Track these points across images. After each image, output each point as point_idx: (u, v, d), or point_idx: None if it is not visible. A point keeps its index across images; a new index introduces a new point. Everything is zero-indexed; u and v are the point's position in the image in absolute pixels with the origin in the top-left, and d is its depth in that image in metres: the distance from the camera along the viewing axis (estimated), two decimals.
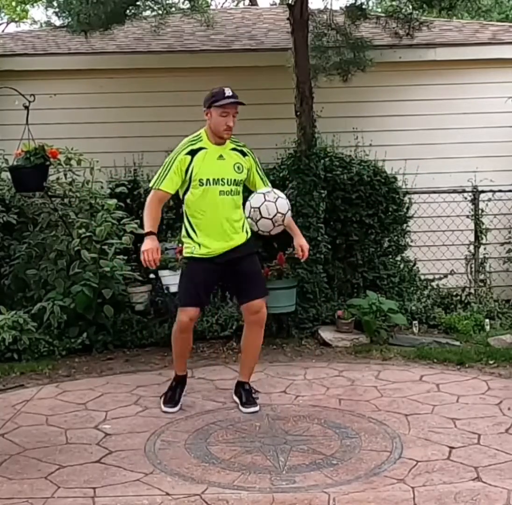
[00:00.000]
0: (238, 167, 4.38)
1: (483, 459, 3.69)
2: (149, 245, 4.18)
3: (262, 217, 4.15)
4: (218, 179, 4.29)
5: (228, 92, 4.36)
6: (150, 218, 4.28)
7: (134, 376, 5.40)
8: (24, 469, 3.70)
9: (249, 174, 4.48)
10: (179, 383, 4.70)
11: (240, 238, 4.42)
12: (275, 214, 4.14)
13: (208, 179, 4.27)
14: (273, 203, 4.14)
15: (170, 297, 6.31)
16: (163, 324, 6.27)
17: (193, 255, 4.36)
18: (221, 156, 4.34)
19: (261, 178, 4.56)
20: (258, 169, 4.55)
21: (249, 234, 4.48)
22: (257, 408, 4.51)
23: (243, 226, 4.44)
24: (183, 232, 4.45)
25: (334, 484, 3.44)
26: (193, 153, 4.28)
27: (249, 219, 4.25)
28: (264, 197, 4.16)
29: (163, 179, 4.29)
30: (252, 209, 4.16)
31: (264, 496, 3.34)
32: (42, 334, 5.90)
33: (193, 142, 4.33)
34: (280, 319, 6.37)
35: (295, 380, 5.18)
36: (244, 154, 4.45)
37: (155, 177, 4.35)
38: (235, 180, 4.35)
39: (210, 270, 4.36)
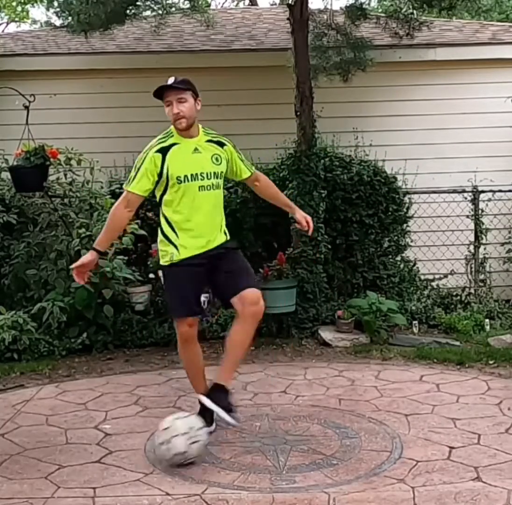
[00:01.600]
0: (216, 159, 4.03)
1: (483, 459, 3.68)
2: (82, 259, 3.99)
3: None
4: (196, 174, 3.95)
5: (169, 81, 4.07)
6: (105, 232, 4.02)
7: (134, 376, 5.40)
8: (24, 469, 3.69)
9: (230, 165, 4.14)
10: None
11: (220, 238, 4.08)
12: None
13: (185, 176, 3.93)
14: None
15: None
16: (163, 324, 6.27)
17: (173, 261, 3.99)
18: (196, 149, 3.99)
19: (245, 166, 4.23)
20: (240, 157, 4.20)
21: (228, 237, 4.15)
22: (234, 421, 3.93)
23: (222, 226, 4.13)
24: (160, 237, 4.06)
25: (334, 484, 3.43)
26: (164, 151, 3.94)
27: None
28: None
29: (133, 180, 3.95)
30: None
31: (264, 496, 3.34)
32: (42, 334, 5.90)
33: (163, 139, 4.00)
34: (280, 319, 6.38)
35: (295, 380, 5.18)
36: (221, 144, 4.10)
37: (128, 179, 4.02)
38: (214, 173, 4.01)
39: (194, 273, 3.98)
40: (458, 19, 9.52)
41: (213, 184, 4.02)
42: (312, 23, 6.76)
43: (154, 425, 4.29)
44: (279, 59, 6.67)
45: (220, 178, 4.07)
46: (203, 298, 6.44)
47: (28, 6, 18.43)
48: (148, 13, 6.94)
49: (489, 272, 7.49)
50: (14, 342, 5.70)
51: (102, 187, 6.65)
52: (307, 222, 4.35)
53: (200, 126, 4.08)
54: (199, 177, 3.97)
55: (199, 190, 3.97)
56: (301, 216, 4.39)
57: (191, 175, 3.95)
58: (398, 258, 7.14)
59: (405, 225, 7.15)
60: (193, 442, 3.65)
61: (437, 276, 7.37)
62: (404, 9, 6.95)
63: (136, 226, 6.24)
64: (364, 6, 6.92)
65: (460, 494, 3.29)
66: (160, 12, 6.60)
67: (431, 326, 6.70)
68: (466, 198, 7.43)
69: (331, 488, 3.39)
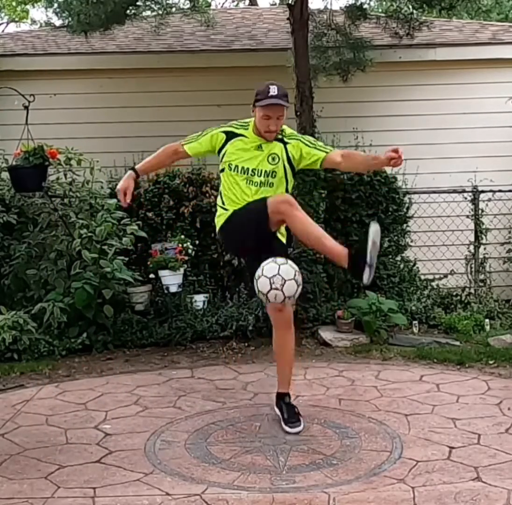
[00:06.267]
0: (273, 158, 4.06)
1: (483, 459, 3.68)
2: (122, 183, 4.12)
3: (269, 301, 3.90)
4: (247, 169, 4.05)
5: (272, 90, 3.98)
6: (149, 159, 4.25)
7: (134, 376, 5.40)
8: (24, 469, 3.69)
9: (301, 158, 4.10)
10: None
11: None
12: (283, 300, 3.85)
13: (237, 166, 4.06)
14: (280, 291, 3.79)
15: (170, 297, 6.31)
16: (163, 324, 6.27)
17: (221, 221, 4.17)
18: (260, 146, 4.07)
19: (317, 149, 4.10)
20: (309, 145, 4.11)
21: (281, 238, 4.21)
22: (301, 428, 4.12)
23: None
24: (218, 200, 4.24)
25: (334, 484, 3.43)
26: (230, 136, 4.08)
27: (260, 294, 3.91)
28: (270, 285, 3.79)
29: (191, 142, 4.16)
30: (261, 294, 3.86)
31: (264, 496, 3.34)
32: (42, 334, 5.89)
33: (237, 127, 4.13)
34: None
35: (295, 380, 5.14)
36: (285, 143, 4.10)
37: (186, 138, 4.21)
38: (266, 171, 4.05)
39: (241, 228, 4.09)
40: (458, 19, 9.51)
41: (262, 182, 4.06)
42: (312, 23, 6.77)
43: (154, 425, 4.31)
44: (279, 59, 6.67)
45: (274, 177, 4.07)
46: (202, 297, 6.46)
47: (28, 6, 18.41)
48: (148, 13, 6.96)
49: (489, 272, 7.48)
50: (14, 342, 5.69)
51: (102, 187, 6.64)
52: (398, 156, 3.83)
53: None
54: (250, 172, 4.05)
55: (247, 183, 4.06)
56: (388, 158, 3.86)
57: (242, 168, 4.06)
58: (398, 258, 7.14)
59: (405, 225, 7.15)
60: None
61: (437, 276, 7.36)
62: (404, 9, 6.96)
63: (136, 227, 6.24)
64: (364, 6, 6.92)
65: (460, 494, 3.29)
66: (160, 12, 6.62)
67: (431, 326, 6.70)
68: (466, 198, 7.43)
69: (331, 488, 3.39)
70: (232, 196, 4.13)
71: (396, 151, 3.84)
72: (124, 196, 4.11)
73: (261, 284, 3.82)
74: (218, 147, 4.12)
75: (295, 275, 3.83)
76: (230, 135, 4.10)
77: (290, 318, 4.14)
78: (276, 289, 3.77)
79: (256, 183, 4.06)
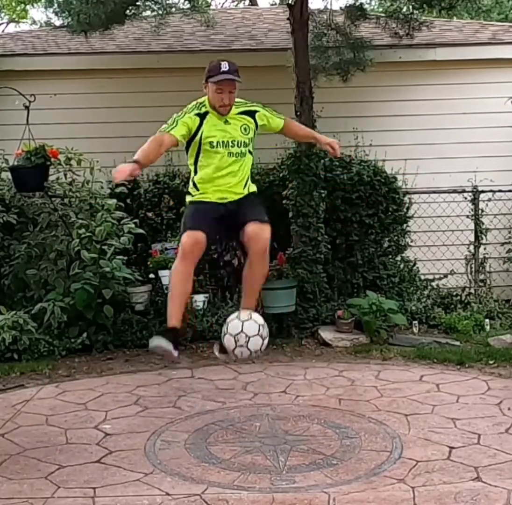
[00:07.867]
0: (245, 129, 4.23)
1: (483, 459, 3.69)
2: (123, 165, 3.85)
3: (236, 358, 4.05)
4: (227, 141, 4.16)
5: (224, 66, 4.07)
6: (142, 149, 3.95)
7: (134, 376, 5.40)
8: (24, 469, 3.69)
9: (267, 126, 4.36)
10: (171, 334, 4.10)
11: (241, 194, 4.24)
12: (250, 355, 3.99)
13: (218, 142, 4.14)
14: (246, 348, 3.92)
15: None
16: (163, 324, 6.26)
17: (193, 199, 4.24)
18: (226, 121, 4.19)
19: (278, 118, 4.42)
20: (272, 114, 4.39)
21: (251, 191, 4.31)
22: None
23: (245, 185, 4.26)
24: (190, 185, 4.29)
25: (334, 484, 3.44)
26: (201, 116, 4.15)
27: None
28: (235, 342, 3.91)
29: (173, 127, 4.07)
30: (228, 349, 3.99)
31: (264, 496, 3.34)
32: (42, 334, 5.90)
33: (198, 108, 4.20)
34: (280, 319, 6.37)
35: (295, 380, 5.18)
36: (253, 113, 4.29)
37: (163, 126, 4.11)
38: (244, 142, 4.21)
39: (211, 207, 4.16)
40: (458, 19, 9.50)
41: (241, 152, 4.21)
42: (312, 23, 6.76)
43: (154, 425, 4.31)
44: (279, 59, 6.67)
45: (247, 146, 4.25)
46: (202, 297, 6.46)
47: (28, 6, 18.41)
48: (148, 13, 6.95)
49: (489, 272, 7.48)
50: (14, 342, 5.70)
51: (102, 187, 6.64)
52: (333, 147, 4.48)
53: None
54: (230, 144, 4.17)
55: (228, 156, 4.18)
56: (324, 143, 4.55)
57: (223, 142, 4.16)
58: (398, 258, 7.14)
59: (405, 225, 7.15)
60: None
61: (437, 276, 7.37)
62: (404, 9, 6.95)
63: (132, 225, 6.23)
64: (364, 6, 6.91)
65: (460, 494, 3.30)
66: (160, 12, 6.60)
67: (431, 326, 6.70)
68: (466, 198, 7.43)
69: (331, 488, 3.39)
70: (207, 176, 4.19)
71: (333, 147, 4.49)
72: (122, 175, 3.81)
73: (226, 341, 3.96)
74: (194, 130, 4.15)
75: (259, 330, 3.94)
76: (201, 116, 4.17)
77: (265, 245, 4.12)
78: (241, 346, 3.91)
79: (235, 154, 4.19)
